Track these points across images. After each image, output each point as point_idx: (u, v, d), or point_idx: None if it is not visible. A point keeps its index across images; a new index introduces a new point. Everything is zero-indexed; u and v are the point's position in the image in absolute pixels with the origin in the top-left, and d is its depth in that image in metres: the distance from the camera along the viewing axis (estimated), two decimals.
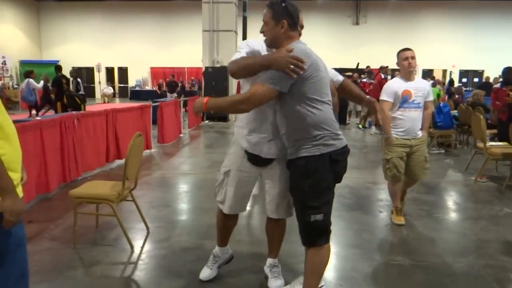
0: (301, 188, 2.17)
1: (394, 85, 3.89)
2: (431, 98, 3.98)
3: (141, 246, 3.41)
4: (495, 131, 6.80)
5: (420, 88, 3.85)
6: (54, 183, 4.64)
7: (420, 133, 3.92)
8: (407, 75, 3.85)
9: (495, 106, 6.56)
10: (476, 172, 5.83)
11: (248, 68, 2.14)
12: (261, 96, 2.02)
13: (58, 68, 11.04)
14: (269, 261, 2.81)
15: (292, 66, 1.96)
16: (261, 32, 2.25)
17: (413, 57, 3.78)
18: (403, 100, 3.82)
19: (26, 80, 11.57)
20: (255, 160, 2.42)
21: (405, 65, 3.78)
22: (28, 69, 13.34)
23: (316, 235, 2.21)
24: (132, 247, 3.33)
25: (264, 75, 2.04)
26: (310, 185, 2.14)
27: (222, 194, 2.57)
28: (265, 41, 2.26)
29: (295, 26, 2.19)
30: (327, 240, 2.26)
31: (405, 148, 3.86)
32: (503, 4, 22.21)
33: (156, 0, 23.52)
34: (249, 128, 2.39)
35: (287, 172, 2.32)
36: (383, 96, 3.89)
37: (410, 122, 3.83)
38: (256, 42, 2.35)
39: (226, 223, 2.72)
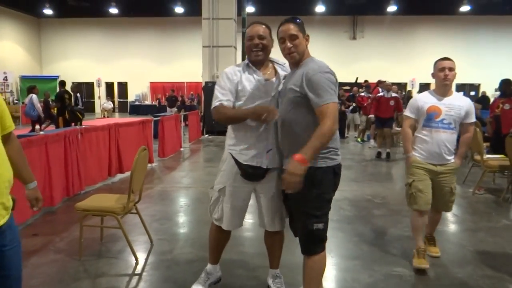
0: (307, 197, 2.22)
1: (420, 100, 3.32)
2: (472, 119, 3.26)
3: (145, 258, 3.46)
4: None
5: (455, 106, 3.20)
6: (58, 197, 4.70)
7: (451, 160, 3.28)
8: (441, 89, 3.25)
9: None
10: (474, 184, 5.90)
11: (232, 120, 2.44)
12: (336, 111, 2.11)
13: (62, 83, 11.19)
14: (271, 272, 2.86)
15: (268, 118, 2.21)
16: (288, 48, 2.25)
17: (451, 68, 3.17)
18: (428, 117, 3.24)
19: (30, 95, 11.64)
20: (250, 174, 2.46)
21: (441, 76, 3.19)
22: (30, 84, 13.42)
23: (316, 243, 2.31)
24: (136, 259, 3.38)
25: (327, 94, 2.09)
26: (316, 195, 2.24)
27: (219, 211, 2.59)
28: (294, 55, 2.26)
29: None
30: (323, 248, 2.36)
31: (429, 173, 3.26)
32: (499, 19, 22.54)
33: (156, 16, 23.79)
34: (244, 145, 2.45)
35: (280, 184, 2.35)
36: (406, 112, 3.43)
37: (436, 146, 3.21)
38: (231, 70, 2.47)
39: (221, 240, 2.74)
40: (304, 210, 2.26)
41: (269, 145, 2.44)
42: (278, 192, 2.50)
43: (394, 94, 8.99)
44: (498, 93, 8.48)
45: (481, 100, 11.92)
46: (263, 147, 2.44)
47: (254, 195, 2.62)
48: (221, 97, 2.40)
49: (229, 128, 2.57)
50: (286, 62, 2.53)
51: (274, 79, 2.47)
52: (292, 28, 2.24)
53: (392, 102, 8.84)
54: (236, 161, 2.48)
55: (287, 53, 2.28)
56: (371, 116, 9.48)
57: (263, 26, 2.45)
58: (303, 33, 2.28)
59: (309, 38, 2.32)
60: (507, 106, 6.25)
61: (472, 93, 23.06)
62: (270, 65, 2.55)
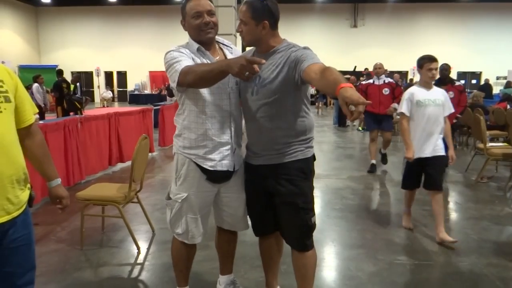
0: (302, 192, 2.11)
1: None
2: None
3: (147, 248, 3.44)
4: (494, 132, 6.85)
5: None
6: None
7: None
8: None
9: None
10: (476, 172, 5.87)
11: (206, 76, 1.90)
12: None
13: (59, 72, 11.08)
14: (225, 279, 2.55)
15: (247, 73, 1.79)
16: (238, 31, 2.05)
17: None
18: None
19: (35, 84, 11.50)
20: (218, 177, 2.17)
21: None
22: (27, 73, 13.28)
23: (311, 237, 2.20)
24: (138, 248, 3.37)
25: (318, 59, 1.87)
26: (308, 186, 2.16)
27: (183, 225, 2.21)
28: (244, 42, 2.07)
29: (276, 25, 2.04)
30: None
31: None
32: (500, 6, 22.36)
33: (155, 4, 23.56)
34: (205, 148, 2.11)
35: (243, 181, 2.28)
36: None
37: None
38: (184, 49, 2.10)
39: (190, 256, 2.38)
40: (302, 206, 2.11)
41: (234, 145, 2.17)
42: (243, 188, 2.29)
43: (388, 79, 6.35)
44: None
45: (484, 88, 11.83)
46: (229, 148, 2.15)
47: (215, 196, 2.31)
48: (185, 62, 1.98)
49: (181, 128, 2.16)
50: (232, 44, 2.32)
51: None
52: (242, 11, 2.00)
53: (386, 90, 6.19)
54: (199, 166, 2.13)
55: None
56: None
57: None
58: (257, 20, 1.97)
59: (274, 23, 2.01)
60: (451, 94, 5.80)
61: (474, 81, 22.96)
62: (217, 46, 2.23)
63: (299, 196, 2.11)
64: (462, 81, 23.30)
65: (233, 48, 2.32)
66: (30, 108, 1.70)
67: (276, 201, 2.17)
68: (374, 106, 6.10)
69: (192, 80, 1.91)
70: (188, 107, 2.11)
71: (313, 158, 2.20)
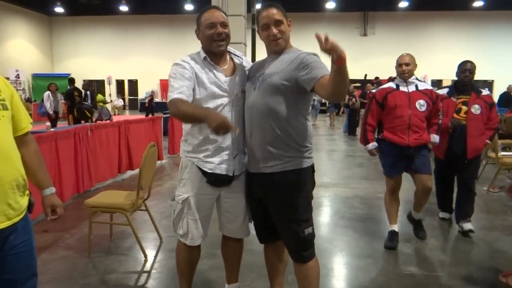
0: (294, 204, 2.07)
1: None
2: None
3: (154, 255, 3.44)
4: (506, 141, 6.75)
5: None
6: (68, 194, 4.71)
7: None
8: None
9: None
10: (488, 182, 5.78)
11: (186, 118, 2.02)
12: None
13: (71, 81, 11.22)
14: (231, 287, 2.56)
15: (221, 132, 1.78)
16: (275, 34, 2.04)
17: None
18: None
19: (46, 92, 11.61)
20: (218, 181, 2.19)
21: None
22: (41, 82, 13.47)
23: (308, 249, 2.15)
24: (145, 256, 3.37)
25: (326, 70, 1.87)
26: (302, 198, 2.10)
27: (184, 226, 2.26)
28: (280, 41, 2.07)
29: None
30: (314, 251, 2.20)
31: None
32: (511, 14, 22.18)
33: (165, 13, 23.85)
34: (206, 152, 2.16)
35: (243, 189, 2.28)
36: None
37: None
38: (188, 61, 2.13)
39: (193, 258, 2.40)
40: (292, 218, 2.08)
41: (235, 151, 2.19)
42: (243, 197, 2.31)
43: (425, 85, 3.64)
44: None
45: (506, 98, 11.58)
46: (229, 153, 2.18)
47: (216, 201, 2.35)
48: (180, 88, 2.03)
49: (186, 134, 2.25)
50: (243, 54, 2.35)
51: (234, 76, 2.20)
52: (276, 13, 2.03)
53: (422, 104, 3.49)
54: (200, 169, 2.19)
55: (272, 40, 2.05)
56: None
57: (222, 12, 2.15)
58: (286, 18, 2.08)
59: (291, 23, 2.12)
60: (476, 108, 4.86)
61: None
62: (228, 56, 2.27)
63: (291, 208, 2.08)
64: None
65: (243, 58, 2.34)
66: (25, 117, 1.74)
67: (270, 211, 2.17)
68: (398, 132, 3.49)
69: (174, 114, 2.02)
70: None
71: (311, 169, 2.15)
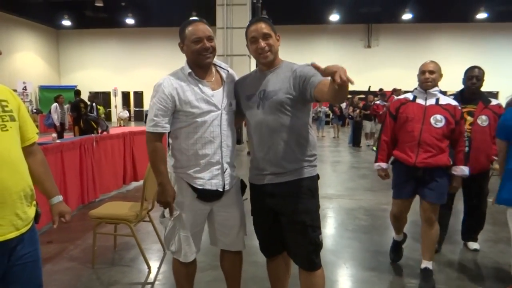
0: (309, 210, 2.14)
1: None
2: None
3: (158, 267, 3.44)
4: None
5: None
6: (73, 204, 4.73)
7: None
8: None
9: None
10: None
11: (152, 163, 2.17)
12: None
13: (77, 92, 11.34)
14: None
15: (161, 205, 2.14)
16: (263, 47, 2.06)
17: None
18: None
19: (54, 104, 11.81)
20: (208, 196, 2.19)
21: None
22: (47, 94, 13.62)
23: (319, 255, 2.21)
24: (149, 267, 3.37)
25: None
26: (315, 204, 2.18)
27: (176, 243, 2.24)
28: (268, 54, 2.08)
29: None
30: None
31: None
32: None
33: (170, 26, 24.02)
34: (195, 167, 2.15)
35: (239, 200, 2.31)
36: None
37: None
38: (171, 84, 2.14)
39: (188, 272, 2.36)
40: (310, 224, 2.13)
41: (224, 165, 2.18)
42: (238, 209, 2.31)
43: (446, 99, 3.07)
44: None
45: None
46: (219, 168, 2.17)
47: (208, 216, 2.32)
48: (159, 121, 2.10)
49: (172, 149, 2.24)
50: (228, 66, 2.35)
51: (221, 89, 2.20)
52: (264, 27, 2.06)
53: (440, 120, 2.97)
54: (190, 185, 2.18)
55: (260, 53, 2.07)
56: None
57: (207, 25, 2.14)
58: (275, 33, 2.10)
59: (280, 38, 2.14)
60: (483, 120, 4.04)
61: None
62: (214, 69, 2.25)
63: (307, 214, 2.13)
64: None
65: (229, 70, 2.34)
66: (31, 127, 1.77)
67: (283, 220, 2.18)
68: (406, 149, 3.07)
69: (148, 150, 2.19)
70: (178, 128, 2.17)
71: (317, 177, 2.22)
